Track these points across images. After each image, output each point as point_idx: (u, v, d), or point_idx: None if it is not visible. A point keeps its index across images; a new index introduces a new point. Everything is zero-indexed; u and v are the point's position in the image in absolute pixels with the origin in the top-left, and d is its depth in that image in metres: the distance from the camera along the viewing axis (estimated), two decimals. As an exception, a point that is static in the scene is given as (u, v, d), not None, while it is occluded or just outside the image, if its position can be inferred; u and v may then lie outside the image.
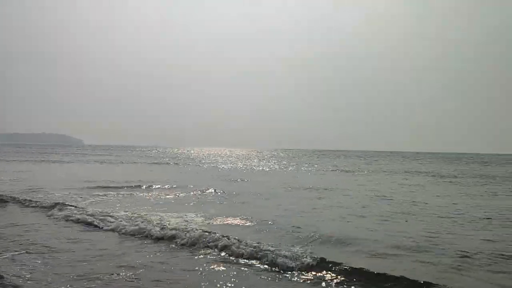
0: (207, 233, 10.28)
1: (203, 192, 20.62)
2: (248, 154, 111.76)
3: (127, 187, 22.18)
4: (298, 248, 9.24)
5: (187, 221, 12.62)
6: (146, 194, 19.50)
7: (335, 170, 44.25)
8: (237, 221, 12.90)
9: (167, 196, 18.94)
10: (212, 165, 51.49)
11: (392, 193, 21.87)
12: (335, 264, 8.03)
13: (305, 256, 8.41)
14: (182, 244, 9.99)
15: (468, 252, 9.34)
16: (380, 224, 12.86)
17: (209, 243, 9.78)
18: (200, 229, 10.72)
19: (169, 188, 22.06)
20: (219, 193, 20.20)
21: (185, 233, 10.46)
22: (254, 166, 50.93)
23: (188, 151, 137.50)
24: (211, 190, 21.13)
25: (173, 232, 10.71)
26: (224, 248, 9.40)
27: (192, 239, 10.08)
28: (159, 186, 22.88)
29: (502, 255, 9.17)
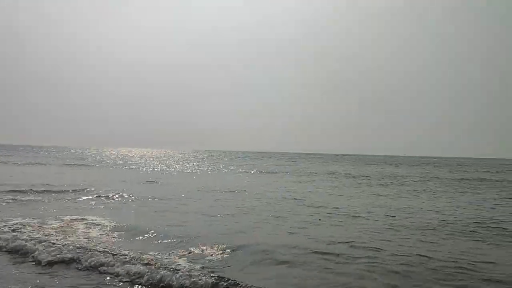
0: (83, 248, 8.99)
1: (109, 195, 19.30)
2: (175, 156, 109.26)
3: (21, 191, 19.96)
4: (201, 262, 8.51)
5: (78, 230, 11.47)
6: (46, 199, 17.85)
7: (256, 172, 44.60)
8: (137, 228, 11.74)
9: (68, 201, 17.49)
10: (131, 167, 49.32)
11: (307, 194, 22.36)
12: (235, 284, 7.16)
13: (202, 274, 7.42)
14: (49, 262, 8.45)
15: (378, 252, 9.61)
16: (295, 226, 12.83)
17: (85, 260, 8.41)
18: (77, 244, 9.38)
19: (73, 192, 20.40)
20: (127, 197, 19.07)
21: (53, 249, 8.93)
22: (176, 167, 49.71)
23: (109, 152, 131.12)
24: (121, 193, 19.96)
25: (40, 247, 9.11)
26: (100, 265, 8.15)
27: (60, 256, 8.64)
28: (64, 189, 21.12)
29: (406, 255, 9.52)
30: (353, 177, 39.57)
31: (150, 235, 10.97)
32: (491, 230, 12.74)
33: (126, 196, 19.16)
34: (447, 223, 13.89)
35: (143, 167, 48.52)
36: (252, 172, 44.43)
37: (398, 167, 69.64)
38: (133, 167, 49.13)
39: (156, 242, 10.29)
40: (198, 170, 45.55)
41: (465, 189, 28.54)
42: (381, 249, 9.84)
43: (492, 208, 18.33)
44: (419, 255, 9.35)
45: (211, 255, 9.05)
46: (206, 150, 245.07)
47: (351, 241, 10.56)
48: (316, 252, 9.38)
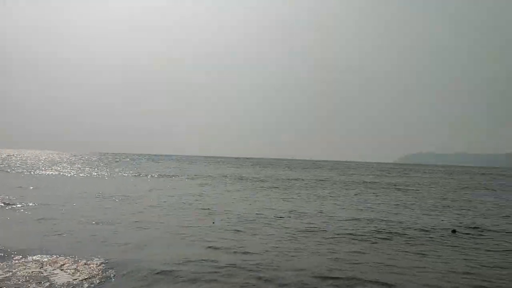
0: None
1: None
2: (67, 158, 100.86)
3: None
4: (72, 280, 7.72)
5: None
6: None
7: (153, 175, 43.19)
8: (4, 240, 10.41)
9: None
10: (12, 171, 44.43)
11: (202, 198, 22.18)
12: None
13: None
14: None
15: (264, 255, 9.82)
16: (186, 233, 12.54)
17: None
18: None
19: None
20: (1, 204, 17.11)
21: None
22: (67, 171, 45.95)
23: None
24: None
25: None
26: None
27: None
28: None
29: (286, 254, 9.86)
30: (248, 180, 40.36)
31: (19, 247, 9.77)
32: (369, 229, 13.85)
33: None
34: (331, 224, 14.78)
35: (29, 171, 44.04)
36: (149, 175, 42.91)
37: (292, 170, 72.90)
38: (15, 171, 44.38)
39: (25, 254, 9.25)
40: (91, 174, 42.68)
41: (349, 190, 30.80)
42: (266, 251, 10.12)
43: (368, 208, 20.00)
44: (304, 258, 9.81)
45: (85, 272, 8.18)
46: (101, 153, 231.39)
47: (242, 247, 10.65)
48: (202, 260, 9.19)
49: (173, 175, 44.12)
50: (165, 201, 20.06)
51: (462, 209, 20.68)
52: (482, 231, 14.14)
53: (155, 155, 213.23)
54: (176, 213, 16.32)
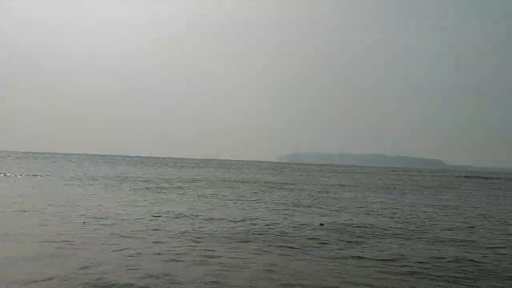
0: None
1: None
2: None
3: None
4: None
5: None
6: None
7: (17, 175, 38.64)
8: None
9: None
10: None
11: (74, 200, 20.49)
12: None
13: None
14: None
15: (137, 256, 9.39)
16: (39, 242, 11.42)
17: None
18: None
19: None
20: None
21: None
22: None
23: None
24: None
25: None
26: None
27: None
28: None
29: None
30: (127, 180, 38.53)
31: None
32: (244, 229, 14.20)
33: None
34: (206, 225, 14.75)
35: None
36: (8, 174, 38.18)
37: (175, 168, 71.90)
38: None
39: None
40: None
41: (228, 189, 31.43)
42: (131, 257, 9.72)
43: (246, 206, 20.62)
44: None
45: None
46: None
47: (100, 253, 10.07)
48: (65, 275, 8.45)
49: (45, 175, 39.96)
50: (31, 207, 18.06)
51: (329, 205, 22.49)
52: (348, 226, 15.50)
53: (37, 152, 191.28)
54: (41, 218, 14.73)
